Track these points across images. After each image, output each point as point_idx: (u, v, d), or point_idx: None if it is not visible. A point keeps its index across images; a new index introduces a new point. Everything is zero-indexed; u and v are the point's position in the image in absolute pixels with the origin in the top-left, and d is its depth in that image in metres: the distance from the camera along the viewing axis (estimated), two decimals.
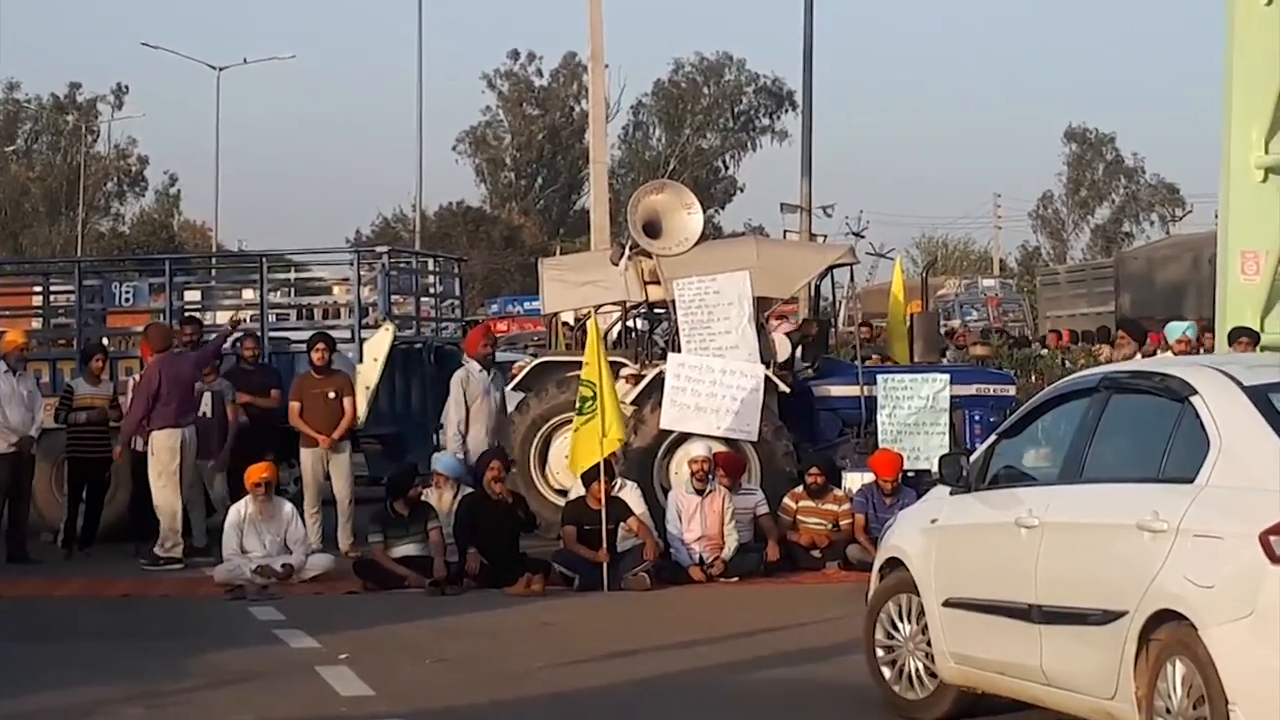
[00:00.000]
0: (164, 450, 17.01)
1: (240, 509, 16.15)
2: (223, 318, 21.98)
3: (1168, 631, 7.96)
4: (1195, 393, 8.38)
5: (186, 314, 19.88)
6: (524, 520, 16.23)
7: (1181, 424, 8.39)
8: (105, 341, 19.46)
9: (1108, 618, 8.30)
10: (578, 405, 15.87)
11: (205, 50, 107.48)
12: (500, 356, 20.36)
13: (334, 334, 18.59)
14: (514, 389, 18.47)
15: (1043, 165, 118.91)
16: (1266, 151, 16.27)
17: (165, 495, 17.01)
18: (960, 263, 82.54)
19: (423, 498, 16.20)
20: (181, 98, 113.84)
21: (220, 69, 71.06)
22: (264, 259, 20.87)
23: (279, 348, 19.58)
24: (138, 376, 17.92)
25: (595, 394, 15.52)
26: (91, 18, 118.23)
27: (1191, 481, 8.12)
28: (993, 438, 10.08)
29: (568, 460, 16.75)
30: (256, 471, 16.17)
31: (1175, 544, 7.97)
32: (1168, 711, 7.95)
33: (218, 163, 72.26)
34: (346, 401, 17.64)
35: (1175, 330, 17.51)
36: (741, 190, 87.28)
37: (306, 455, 17.62)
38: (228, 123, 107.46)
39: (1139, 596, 8.08)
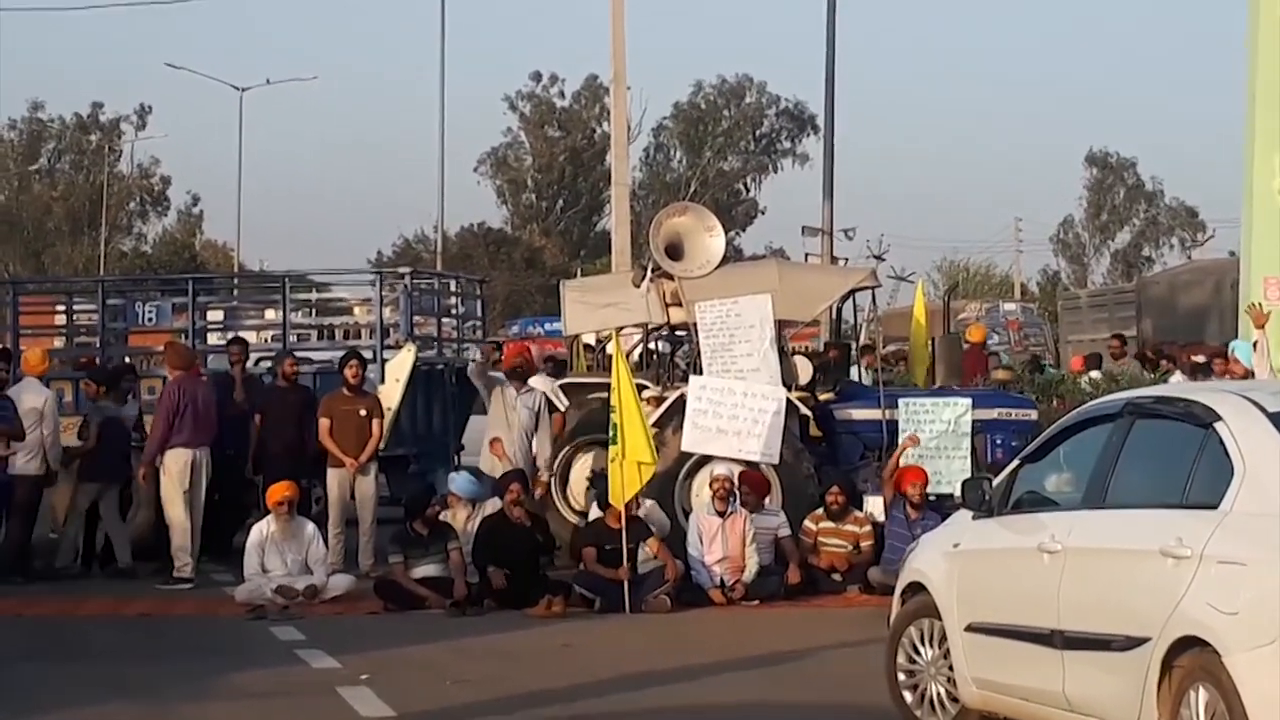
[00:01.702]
0: (174, 470, 17.09)
1: (262, 528, 16.15)
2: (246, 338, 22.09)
3: (1191, 658, 7.93)
4: (1219, 419, 8.36)
5: (235, 334, 19.91)
6: (543, 544, 16.20)
7: (1205, 450, 8.36)
8: (128, 360, 19.52)
9: (1131, 644, 8.27)
10: (611, 435, 15.81)
11: (228, 71, 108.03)
12: None
13: None
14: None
15: (1064, 189, 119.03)
16: None
17: (175, 514, 17.11)
18: (981, 286, 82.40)
19: (441, 517, 16.22)
20: (204, 118, 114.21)
21: (243, 90, 71.24)
22: (286, 279, 20.92)
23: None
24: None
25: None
26: (115, 38, 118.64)
27: (1215, 508, 8.10)
28: (1015, 462, 10.06)
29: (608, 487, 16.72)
30: (279, 491, 16.18)
31: (1199, 570, 7.94)
32: None
33: (240, 183, 72.70)
34: (375, 423, 17.67)
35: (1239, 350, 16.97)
36: (762, 213, 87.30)
37: (333, 475, 17.65)
38: (250, 143, 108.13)
39: (1162, 623, 8.06)
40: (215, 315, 21.95)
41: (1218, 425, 8.33)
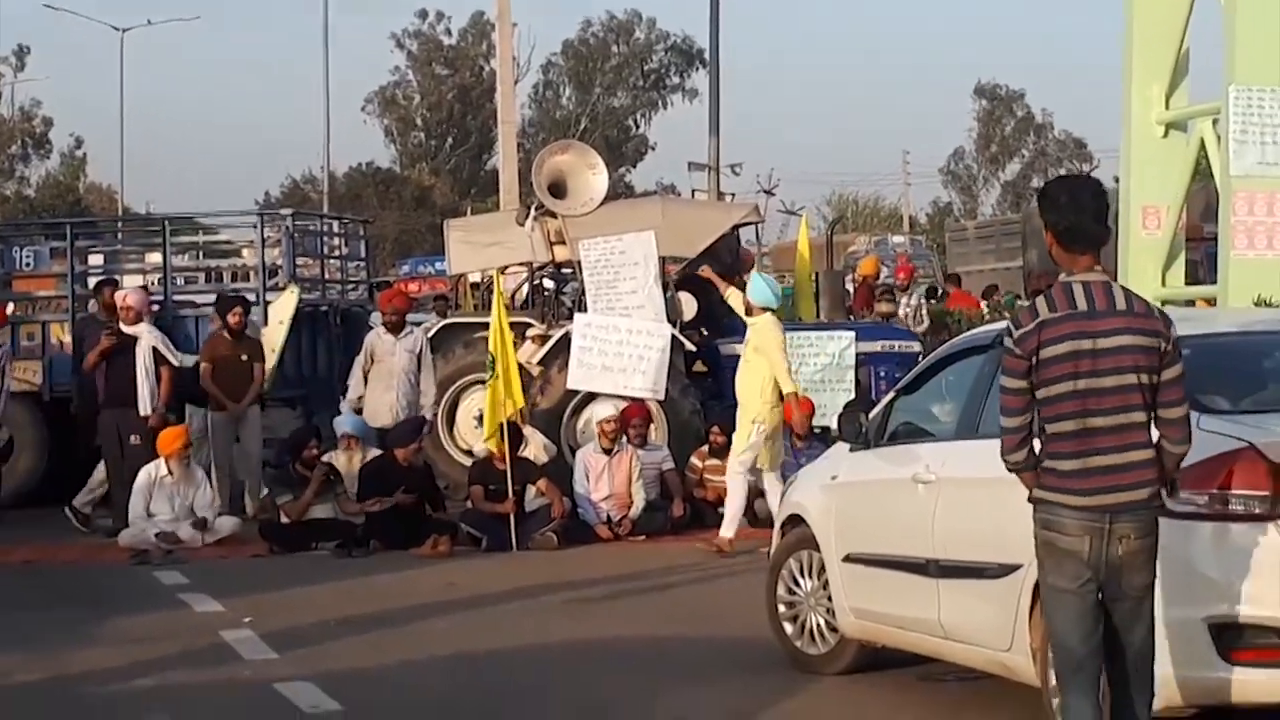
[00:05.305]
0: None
1: (150, 472, 16.06)
2: (131, 281, 21.84)
3: None
4: None
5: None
6: (430, 491, 16.11)
7: None
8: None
9: (1003, 571, 8.36)
10: (489, 367, 15.83)
11: (108, 11, 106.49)
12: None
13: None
14: None
15: (953, 121, 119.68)
16: (1167, 107, 16.41)
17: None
18: (870, 220, 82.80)
19: (324, 458, 16.15)
20: (86, 59, 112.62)
21: (124, 30, 70.35)
22: (167, 222, 20.72)
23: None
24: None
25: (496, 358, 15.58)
26: None
27: None
28: (891, 394, 10.14)
29: (480, 422, 16.72)
30: (177, 436, 16.11)
31: None
32: None
33: (122, 125, 71.58)
34: (257, 367, 17.52)
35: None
36: (653, 149, 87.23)
37: (217, 419, 17.51)
38: (133, 85, 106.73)
39: (1033, 550, 8.13)
40: (96, 259, 21.68)
41: None
